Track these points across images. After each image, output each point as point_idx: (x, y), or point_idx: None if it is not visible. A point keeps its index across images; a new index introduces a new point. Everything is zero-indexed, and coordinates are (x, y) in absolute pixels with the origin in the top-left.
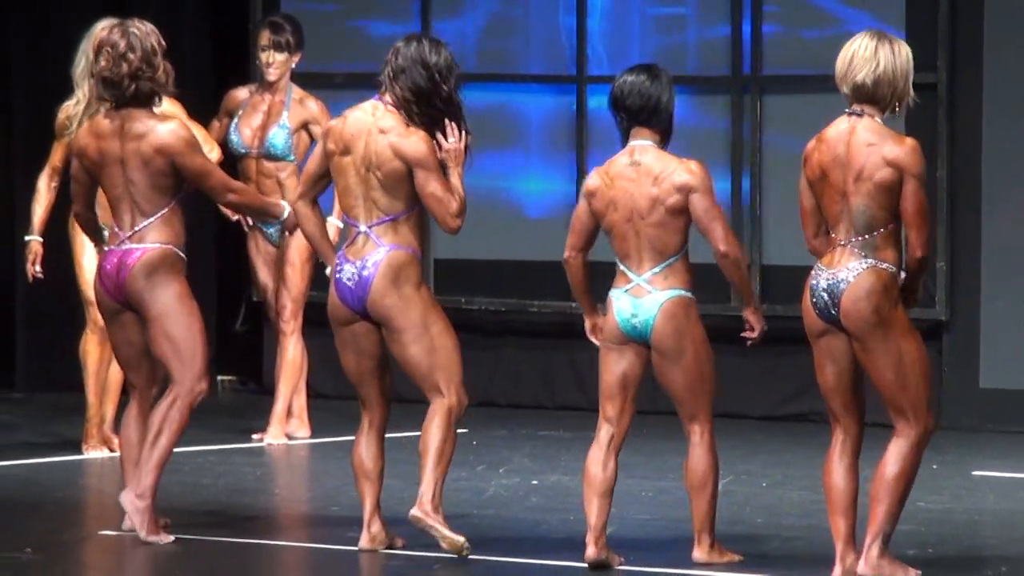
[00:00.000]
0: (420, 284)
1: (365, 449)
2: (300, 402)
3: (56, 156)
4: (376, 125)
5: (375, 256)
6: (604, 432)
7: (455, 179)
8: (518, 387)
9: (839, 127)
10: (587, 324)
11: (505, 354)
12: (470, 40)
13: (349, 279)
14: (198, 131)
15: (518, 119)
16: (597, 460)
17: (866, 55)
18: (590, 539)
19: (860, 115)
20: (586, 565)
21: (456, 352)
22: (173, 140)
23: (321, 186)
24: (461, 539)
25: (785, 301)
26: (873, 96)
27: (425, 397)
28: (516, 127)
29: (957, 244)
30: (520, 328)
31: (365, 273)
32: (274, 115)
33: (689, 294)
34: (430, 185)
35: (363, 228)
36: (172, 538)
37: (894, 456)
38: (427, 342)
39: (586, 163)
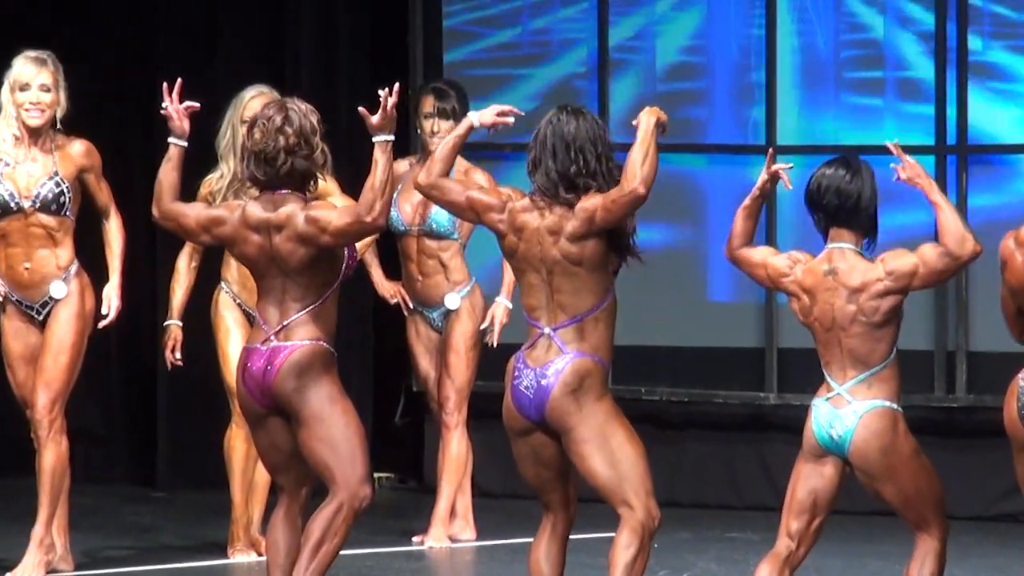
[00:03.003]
0: (603, 395)
1: (545, 553)
2: (464, 501)
3: None
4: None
5: (558, 364)
6: (783, 545)
7: None
8: (703, 485)
9: None
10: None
11: (689, 448)
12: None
13: (527, 387)
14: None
15: (701, 191)
16: (772, 571)
17: None
18: None
19: None
20: None
21: (643, 462)
22: (309, 229)
23: None
24: None
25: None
26: None
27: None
28: (699, 200)
29: None
30: (705, 420)
31: (544, 382)
32: None
33: (894, 406)
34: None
35: (546, 330)
36: None
37: None
38: (608, 453)
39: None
